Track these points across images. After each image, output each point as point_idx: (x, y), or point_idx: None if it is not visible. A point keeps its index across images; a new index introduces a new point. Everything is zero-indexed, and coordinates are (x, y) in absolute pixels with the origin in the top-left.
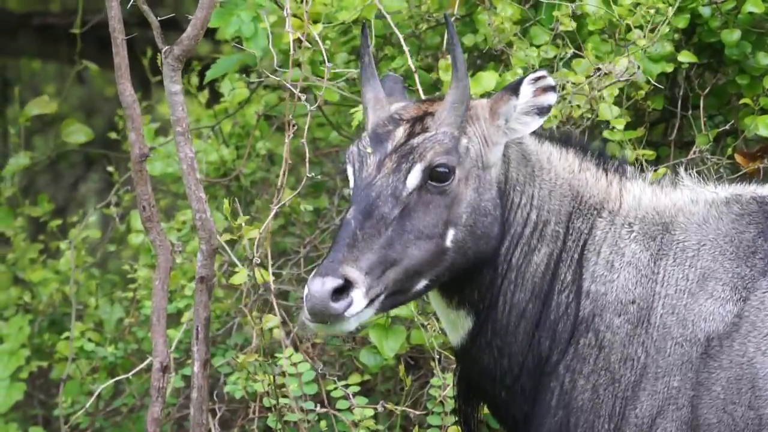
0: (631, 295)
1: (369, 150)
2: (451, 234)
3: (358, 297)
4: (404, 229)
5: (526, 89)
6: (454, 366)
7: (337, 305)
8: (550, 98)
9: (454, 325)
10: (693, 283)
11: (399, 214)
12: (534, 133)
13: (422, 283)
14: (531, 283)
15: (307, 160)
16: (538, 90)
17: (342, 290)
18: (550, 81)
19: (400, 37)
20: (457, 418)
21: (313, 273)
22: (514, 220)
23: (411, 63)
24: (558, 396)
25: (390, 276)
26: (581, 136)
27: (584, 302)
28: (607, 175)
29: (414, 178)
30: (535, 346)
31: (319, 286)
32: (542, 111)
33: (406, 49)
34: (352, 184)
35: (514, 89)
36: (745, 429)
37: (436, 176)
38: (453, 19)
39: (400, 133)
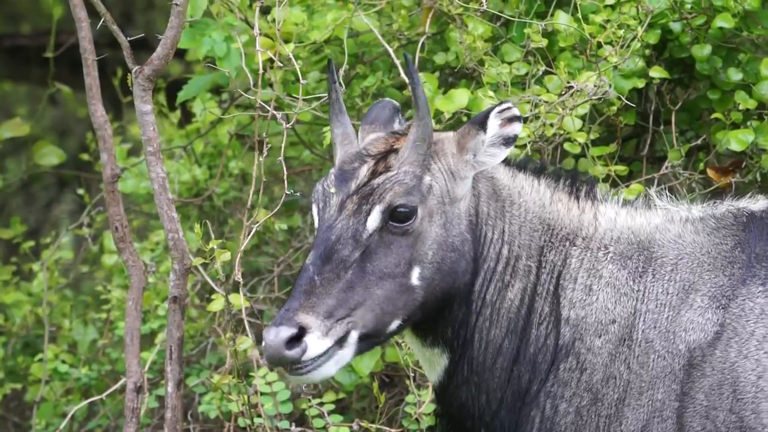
0: (611, 315)
1: (332, 190)
2: (416, 272)
3: (313, 340)
4: (365, 271)
5: (493, 123)
6: (435, 404)
7: (292, 352)
8: (516, 128)
9: (430, 363)
10: (673, 296)
11: (360, 256)
12: (508, 165)
13: (395, 323)
14: (506, 319)
15: (285, 177)
16: (504, 121)
17: (298, 338)
18: (515, 111)
19: (386, 45)
20: None
21: (270, 323)
22: (487, 255)
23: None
24: (539, 424)
25: (358, 318)
26: (554, 152)
27: (564, 330)
28: (579, 202)
29: (374, 220)
30: (515, 381)
31: (273, 335)
32: (508, 141)
33: (395, 58)
34: (316, 224)
35: (482, 123)
36: None
37: (397, 217)
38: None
39: (364, 171)
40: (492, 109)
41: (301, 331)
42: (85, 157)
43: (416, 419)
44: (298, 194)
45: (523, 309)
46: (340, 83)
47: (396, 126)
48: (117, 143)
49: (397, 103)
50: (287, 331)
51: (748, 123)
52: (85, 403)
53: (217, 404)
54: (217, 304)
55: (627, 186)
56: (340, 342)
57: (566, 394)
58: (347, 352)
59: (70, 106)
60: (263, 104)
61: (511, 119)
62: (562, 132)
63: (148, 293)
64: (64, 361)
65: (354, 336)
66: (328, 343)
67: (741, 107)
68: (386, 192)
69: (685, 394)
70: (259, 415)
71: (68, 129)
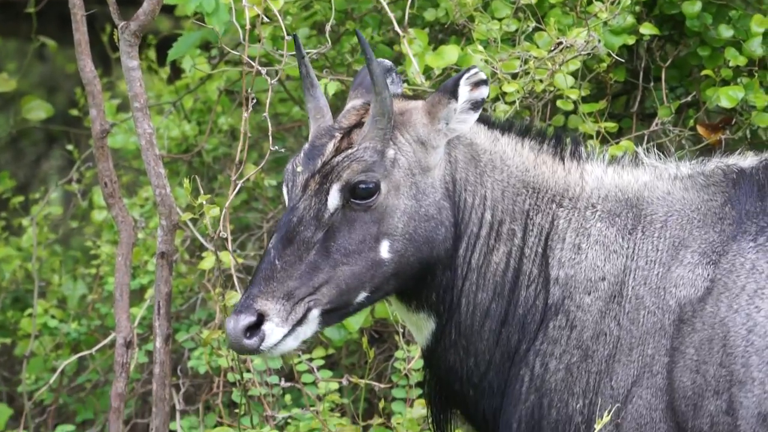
0: (601, 272)
1: (299, 169)
2: (385, 245)
3: (271, 328)
4: (330, 251)
5: (463, 89)
6: (423, 368)
7: (251, 342)
8: (483, 92)
9: (417, 327)
10: (663, 252)
11: (323, 236)
12: (490, 128)
13: (362, 295)
14: (493, 283)
15: (270, 134)
16: (472, 86)
17: (257, 325)
18: (481, 75)
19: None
20: (429, 418)
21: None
22: (469, 220)
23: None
24: (528, 382)
25: (320, 295)
26: (544, 109)
27: (553, 289)
28: (564, 163)
29: (333, 199)
30: (504, 342)
31: (233, 324)
32: (476, 105)
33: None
34: (286, 204)
35: (452, 92)
36: (717, 387)
37: (358, 194)
38: None
39: (330, 148)
40: (461, 76)
41: (260, 318)
42: (75, 112)
43: (405, 375)
44: (283, 150)
45: (509, 272)
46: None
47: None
48: (106, 99)
49: (389, 63)
50: (245, 320)
51: (738, 80)
52: (74, 358)
53: (207, 359)
54: (207, 262)
55: (617, 142)
56: (300, 322)
57: (556, 352)
58: (307, 329)
59: (58, 62)
60: (250, 61)
61: (478, 83)
62: (552, 89)
63: (137, 249)
64: (53, 316)
65: (315, 313)
66: (285, 330)
67: (731, 64)
68: (343, 170)
69: (675, 350)
70: (249, 370)
71: (57, 85)
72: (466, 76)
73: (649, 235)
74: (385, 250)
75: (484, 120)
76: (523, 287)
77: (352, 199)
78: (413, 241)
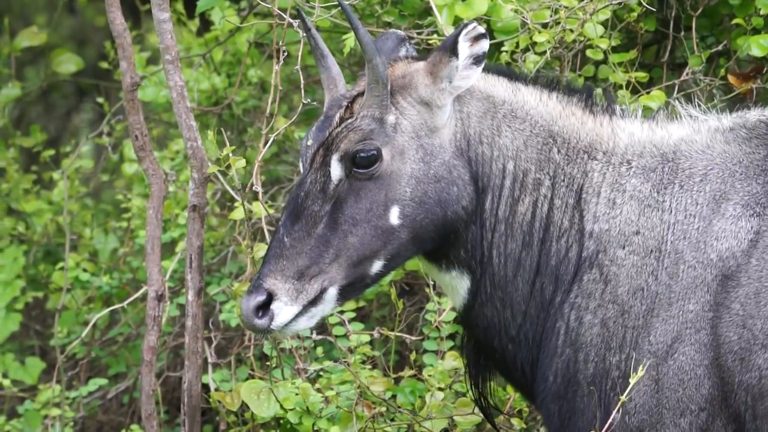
0: (635, 227)
1: (309, 142)
2: (395, 211)
3: (280, 307)
4: (338, 222)
5: (463, 46)
6: (460, 330)
7: (261, 321)
8: (483, 45)
9: (452, 288)
10: (703, 206)
11: (331, 208)
12: (511, 80)
13: (378, 264)
14: (521, 233)
15: (302, 87)
16: (471, 41)
17: (267, 304)
18: (479, 29)
19: None
20: (469, 386)
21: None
22: (491, 172)
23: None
24: (564, 335)
25: (333, 272)
26: (574, 59)
27: (587, 242)
28: (595, 117)
29: (335, 170)
30: (537, 293)
31: (245, 304)
32: (479, 60)
33: None
34: None
35: (452, 49)
36: (765, 341)
37: (360, 163)
38: None
39: (336, 119)
40: (459, 32)
41: (269, 298)
42: (105, 65)
43: (437, 327)
44: (315, 103)
45: (537, 222)
46: (317, 28)
47: (401, 55)
48: (136, 51)
49: (402, 33)
50: (255, 299)
51: None
52: (106, 311)
53: (238, 312)
54: (238, 213)
55: (648, 92)
56: (314, 301)
57: (591, 306)
58: (324, 308)
59: (88, 15)
60: (281, 13)
61: (477, 37)
62: (582, 38)
63: (168, 202)
64: (85, 270)
65: (332, 292)
66: (296, 309)
67: (762, 12)
68: (341, 141)
69: (719, 305)
70: None
71: (87, 38)
72: (464, 31)
73: (687, 189)
74: (395, 216)
75: (504, 72)
76: (554, 238)
77: (354, 169)
78: (423, 204)
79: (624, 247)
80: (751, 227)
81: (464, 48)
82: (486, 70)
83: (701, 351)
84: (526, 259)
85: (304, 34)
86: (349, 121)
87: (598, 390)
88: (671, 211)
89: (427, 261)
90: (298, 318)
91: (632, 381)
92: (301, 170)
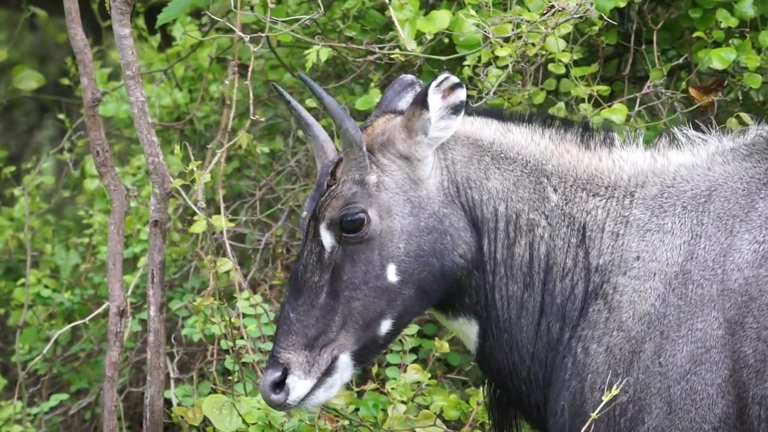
0: (635, 253)
1: (303, 214)
2: (392, 269)
3: (294, 382)
4: (338, 290)
5: (434, 98)
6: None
7: (278, 397)
8: (460, 95)
9: (464, 334)
10: (708, 226)
11: (330, 277)
12: (501, 121)
13: (387, 324)
14: (521, 274)
15: (251, 102)
16: (446, 92)
17: (284, 380)
18: (453, 79)
19: None
20: (492, 425)
21: None
22: (483, 216)
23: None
24: (571, 368)
25: (342, 338)
26: (536, 73)
27: (593, 277)
28: (593, 151)
29: (327, 239)
30: (543, 333)
31: (262, 381)
32: (457, 109)
33: None
34: None
35: (423, 102)
36: None
37: (347, 228)
38: None
39: (324, 187)
40: (429, 85)
41: (285, 373)
42: (66, 81)
43: (400, 340)
44: (261, 119)
45: (536, 263)
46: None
47: (402, 102)
48: (97, 67)
49: (410, 77)
50: (272, 376)
51: (730, 41)
52: (68, 327)
53: (200, 327)
54: (199, 226)
55: (609, 106)
56: (328, 371)
57: (596, 335)
58: (340, 376)
59: (49, 32)
60: (235, 29)
61: (453, 87)
62: (544, 52)
63: (130, 217)
64: (46, 286)
65: (344, 359)
66: (310, 383)
67: (722, 25)
68: (326, 209)
69: (730, 321)
70: (242, 338)
71: (48, 54)
72: (434, 84)
73: (691, 209)
74: (392, 274)
75: (495, 114)
76: (558, 278)
77: (344, 235)
78: (419, 257)
79: (625, 274)
80: (757, 240)
81: (436, 100)
82: (475, 113)
83: (712, 370)
84: (529, 301)
85: (255, 50)
86: (332, 188)
87: (606, 417)
88: (674, 233)
89: (435, 310)
90: (315, 391)
91: (605, 398)
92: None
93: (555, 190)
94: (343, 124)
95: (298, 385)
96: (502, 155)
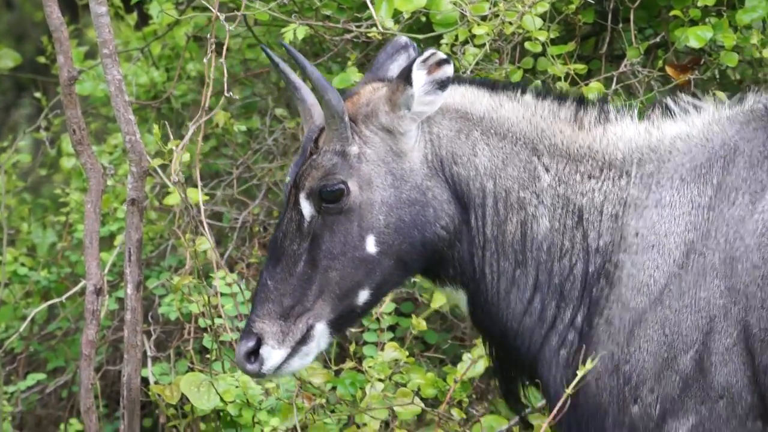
0: (633, 230)
1: (286, 180)
2: (371, 240)
3: (268, 351)
4: (317, 259)
5: (418, 74)
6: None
7: (253, 367)
8: (447, 70)
9: (453, 298)
10: (709, 197)
11: (308, 246)
12: (493, 93)
13: (364, 294)
14: (512, 251)
15: (225, 80)
16: (432, 67)
17: (257, 350)
18: (440, 55)
19: None
20: (497, 381)
21: None
22: (470, 192)
23: None
24: (578, 344)
25: (319, 308)
26: (513, 52)
27: (594, 258)
28: (588, 131)
29: (306, 208)
30: (535, 310)
31: (237, 350)
32: (443, 85)
33: None
34: None
35: (407, 78)
36: None
37: (326, 198)
38: None
39: (307, 154)
40: (413, 61)
41: (259, 342)
42: (42, 60)
43: (377, 318)
44: (236, 97)
45: (528, 242)
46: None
47: (394, 66)
48: (74, 46)
49: (404, 39)
50: (245, 345)
51: (707, 20)
52: (45, 305)
53: (177, 306)
54: (173, 198)
55: (586, 84)
56: (303, 340)
57: (597, 310)
58: (315, 345)
59: (26, 10)
60: (211, 8)
61: (440, 63)
62: (521, 31)
63: (106, 196)
64: (23, 264)
65: (320, 328)
66: (284, 352)
67: (699, 4)
68: (305, 178)
69: (733, 289)
70: (220, 316)
71: (24, 33)
72: (420, 59)
73: (691, 181)
74: (371, 245)
75: (487, 85)
76: (556, 258)
77: (323, 204)
78: (399, 229)
79: (626, 251)
80: (760, 210)
81: (420, 76)
82: (468, 83)
83: (716, 339)
84: (521, 278)
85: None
86: (313, 157)
87: (609, 386)
88: (672, 206)
89: (422, 277)
90: (290, 360)
91: (579, 373)
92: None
93: (547, 170)
94: (326, 95)
95: (272, 355)
96: (492, 131)
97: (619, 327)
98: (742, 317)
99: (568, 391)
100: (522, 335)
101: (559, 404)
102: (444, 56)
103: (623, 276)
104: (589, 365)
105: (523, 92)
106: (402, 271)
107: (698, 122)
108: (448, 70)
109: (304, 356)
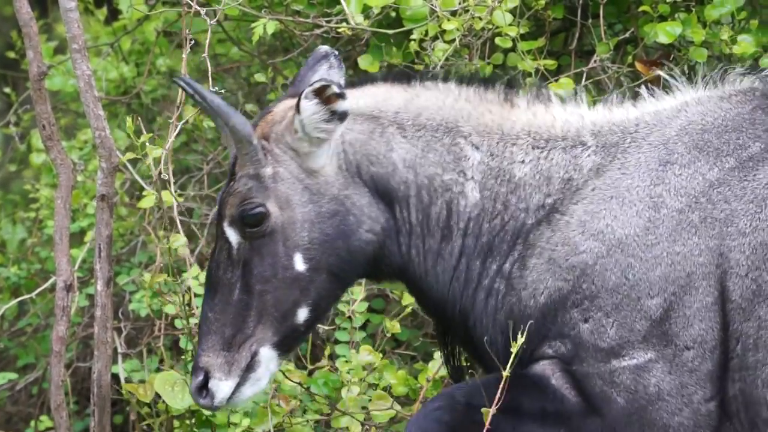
0: (590, 187)
1: (216, 209)
2: (299, 258)
3: (216, 384)
4: (250, 284)
5: (306, 104)
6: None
7: (205, 401)
8: (341, 105)
9: (397, 287)
10: (682, 155)
11: (241, 273)
12: (409, 85)
13: (303, 312)
14: (438, 229)
15: (209, 75)
16: (330, 98)
17: (206, 384)
18: (332, 89)
19: None
20: (439, 345)
21: None
22: (391, 187)
23: None
24: (504, 288)
25: (260, 333)
26: (482, 47)
27: (534, 214)
28: (527, 107)
29: (232, 235)
30: (461, 273)
31: (191, 386)
32: (341, 117)
33: None
34: None
35: (297, 105)
36: None
37: (248, 223)
38: None
39: (228, 182)
40: (303, 90)
41: (207, 377)
42: (12, 55)
43: (349, 317)
44: (222, 91)
45: (455, 216)
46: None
47: (315, 77)
48: (43, 41)
49: (324, 48)
50: (195, 381)
51: (676, 15)
52: (14, 302)
53: (148, 302)
54: (147, 201)
55: (556, 80)
56: (250, 367)
57: (534, 252)
58: (265, 370)
59: None
60: (189, 1)
61: (330, 98)
62: (490, 26)
63: (76, 192)
64: None
65: (265, 353)
66: (232, 383)
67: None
68: (225, 206)
69: (712, 250)
70: (194, 314)
71: None
72: (309, 89)
73: (660, 144)
74: (299, 263)
75: (402, 78)
76: (486, 221)
77: (247, 230)
78: (324, 243)
79: (577, 203)
80: (747, 178)
81: (307, 105)
82: (382, 80)
83: (691, 293)
84: (446, 249)
85: (212, 23)
86: (230, 185)
87: (565, 327)
88: (639, 164)
89: (366, 279)
90: (240, 389)
91: (513, 350)
92: None
93: (477, 148)
94: (230, 121)
95: (221, 387)
96: (409, 122)
97: (566, 267)
98: (723, 281)
99: (506, 373)
100: (453, 302)
101: (500, 391)
102: (336, 90)
103: (572, 221)
104: (520, 340)
105: (445, 80)
106: (337, 284)
107: (671, 101)
108: (343, 105)
109: (255, 383)
